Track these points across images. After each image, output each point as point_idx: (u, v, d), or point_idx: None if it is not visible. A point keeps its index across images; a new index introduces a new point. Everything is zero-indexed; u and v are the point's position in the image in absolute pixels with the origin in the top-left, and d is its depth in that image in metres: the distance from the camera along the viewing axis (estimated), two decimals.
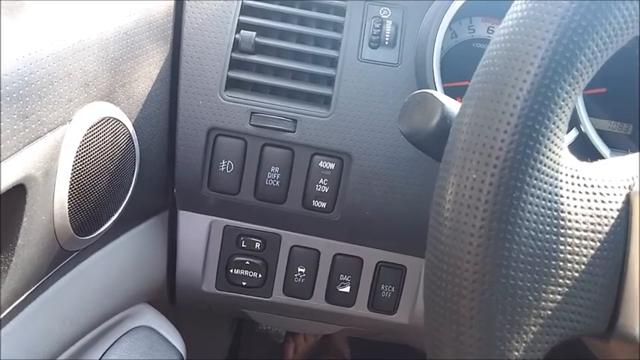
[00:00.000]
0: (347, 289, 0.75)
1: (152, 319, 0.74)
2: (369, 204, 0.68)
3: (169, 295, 0.82)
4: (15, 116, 0.43)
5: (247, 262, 0.74)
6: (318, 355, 1.46)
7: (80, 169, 0.53)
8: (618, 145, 0.68)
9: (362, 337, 0.93)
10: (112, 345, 0.67)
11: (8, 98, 0.43)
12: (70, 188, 0.52)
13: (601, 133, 0.68)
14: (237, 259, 0.75)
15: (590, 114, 0.68)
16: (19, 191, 0.46)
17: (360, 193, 0.68)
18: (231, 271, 0.75)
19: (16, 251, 0.48)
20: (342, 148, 0.67)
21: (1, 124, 0.42)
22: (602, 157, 0.65)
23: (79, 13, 0.53)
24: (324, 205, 0.69)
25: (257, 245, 0.74)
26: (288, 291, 0.76)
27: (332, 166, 0.67)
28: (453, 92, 0.66)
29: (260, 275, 0.75)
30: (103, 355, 0.65)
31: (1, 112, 0.42)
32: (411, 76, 0.67)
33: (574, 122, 0.67)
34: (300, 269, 0.75)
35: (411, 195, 0.67)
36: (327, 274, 0.75)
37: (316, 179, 0.68)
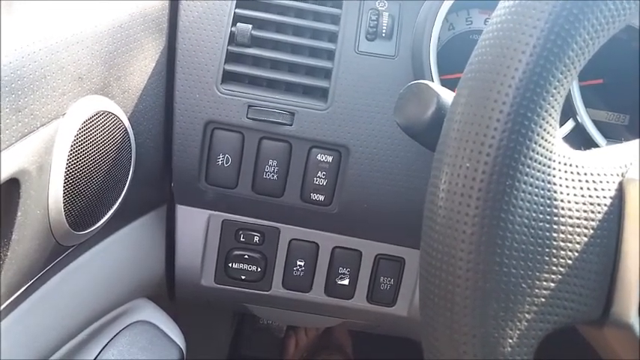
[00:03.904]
0: (346, 281, 0.75)
1: (151, 313, 0.73)
2: (367, 196, 0.68)
3: (168, 290, 0.82)
4: (7, 110, 0.43)
5: (246, 256, 0.74)
6: (319, 349, 1.46)
7: (75, 163, 0.53)
8: (614, 136, 0.68)
9: (362, 329, 0.93)
10: (111, 339, 0.67)
11: (0, 92, 0.43)
12: (65, 183, 0.52)
13: (597, 124, 0.68)
14: (235, 253, 0.74)
15: (587, 105, 0.68)
16: (12, 185, 0.46)
17: (358, 185, 0.68)
18: (230, 265, 0.75)
19: (11, 246, 0.48)
20: (340, 140, 0.67)
21: None
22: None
23: (72, 7, 0.53)
24: (322, 198, 0.68)
25: (256, 239, 0.74)
26: (287, 284, 0.76)
27: (330, 158, 0.67)
28: (450, 84, 0.65)
29: (259, 269, 0.75)
30: (102, 350, 0.65)
31: None
32: (408, 68, 0.67)
33: (571, 113, 0.67)
34: (299, 262, 0.75)
35: (408, 187, 0.67)
36: (326, 267, 0.75)
37: (314, 172, 0.68)
